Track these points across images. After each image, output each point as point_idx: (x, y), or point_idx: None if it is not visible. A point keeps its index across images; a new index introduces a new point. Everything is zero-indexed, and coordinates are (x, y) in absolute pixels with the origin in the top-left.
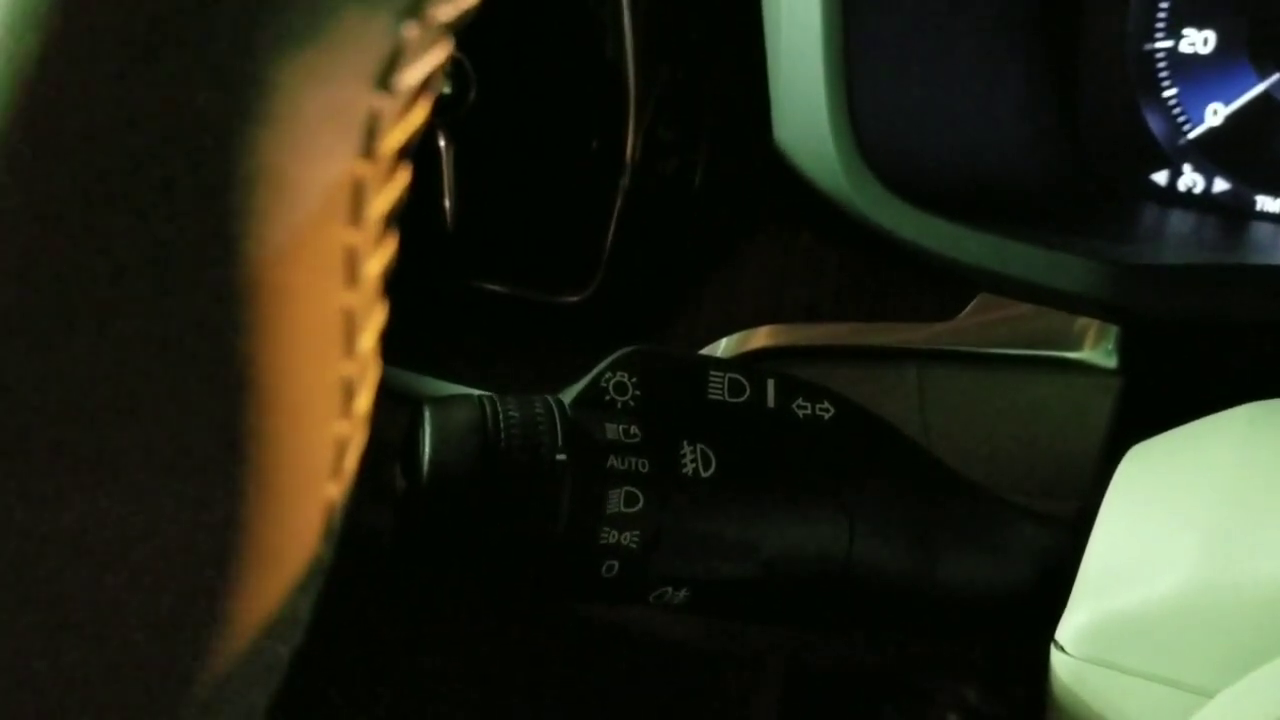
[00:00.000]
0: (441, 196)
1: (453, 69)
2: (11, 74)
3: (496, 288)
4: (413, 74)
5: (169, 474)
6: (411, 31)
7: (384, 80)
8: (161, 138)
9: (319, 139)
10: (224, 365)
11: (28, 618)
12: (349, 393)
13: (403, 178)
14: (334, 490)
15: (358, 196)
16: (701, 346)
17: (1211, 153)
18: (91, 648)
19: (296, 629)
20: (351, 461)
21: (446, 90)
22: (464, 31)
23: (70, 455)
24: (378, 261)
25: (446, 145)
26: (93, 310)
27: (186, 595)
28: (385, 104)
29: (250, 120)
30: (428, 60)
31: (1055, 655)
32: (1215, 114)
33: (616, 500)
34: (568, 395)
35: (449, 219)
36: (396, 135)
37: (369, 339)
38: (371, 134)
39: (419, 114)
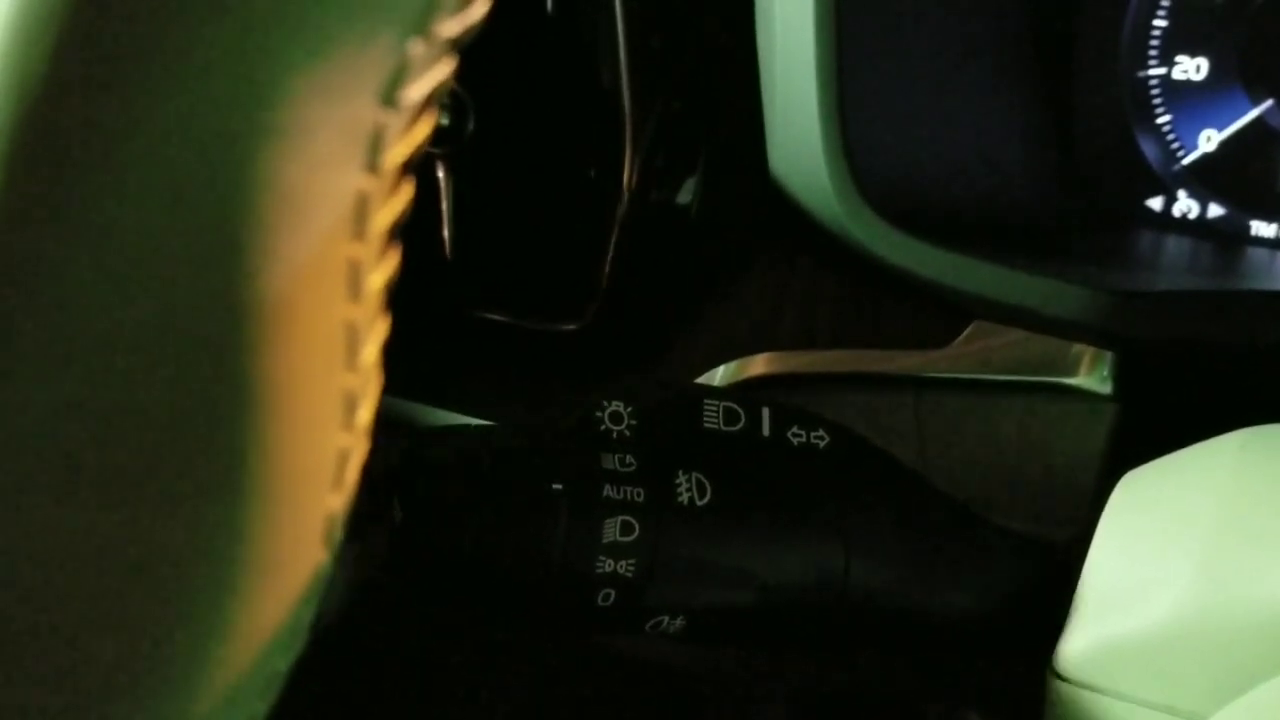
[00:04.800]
0: (440, 226)
1: (451, 100)
2: (18, 84)
3: (494, 316)
4: (417, 90)
5: (172, 482)
6: (417, 48)
7: (389, 96)
8: (169, 148)
9: (325, 153)
10: (227, 375)
11: (24, 623)
12: (351, 405)
13: (406, 192)
14: (335, 501)
15: (362, 210)
16: (699, 374)
17: (1206, 178)
18: (92, 656)
19: (297, 639)
20: (353, 473)
21: (445, 121)
22: (462, 63)
23: (73, 465)
24: (380, 275)
25: (445, 176)
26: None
27: (189, 604)
28: (390, 119)
29: (259, 134)
30: (432, 76)
31: (1052, 681)
32: (1209, 140)
33: (612, 529)
34: (564, 425)
35: (448, 248)
36: (401, 150)
37: (371, 352)
38: (376, 149)
39: (423, 129)
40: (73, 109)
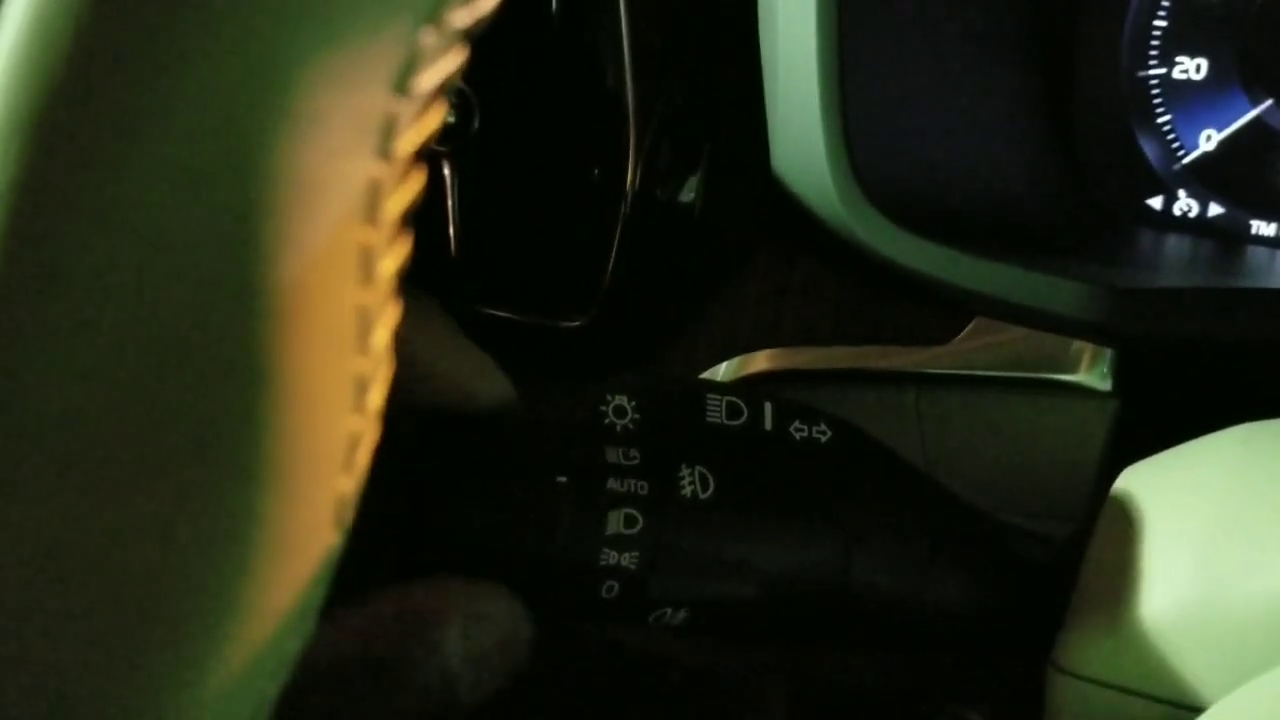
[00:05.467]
0: (445, 223)
1: (457, 99)
2: (38, 76)
3: (498, 313)
4: (429, 79)
5: (185, 465)
6: (428, 37)
7: (401, 84)
8: (184, 137)
9: (338, 140)
10: (241, 358)
11: (41, 605)
12: (362, 388)
13: (417, 180)
14: (346, 483)
15: (374, 197)
16: (702, 370)
17: (1206, 178)
18: (106, 635)
19: (308, 620)
20: (363, 456)
21: (451, 120)
22: (468, 63)
23: (87, 449)
24: (392, 261)
25: (450, 173)
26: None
27: (203, 585)
28: (402, 107)
29: (274, 122)
30: (443, 65)
31: (1053, 675)
32: (1209, 140)
33: (616, 522)
34: (568, 418)
35: (453, 245)
36: (412, 138)
37: (382, 336)
38: (388, 136)
39: (434, 118)
40: (90, 100)
